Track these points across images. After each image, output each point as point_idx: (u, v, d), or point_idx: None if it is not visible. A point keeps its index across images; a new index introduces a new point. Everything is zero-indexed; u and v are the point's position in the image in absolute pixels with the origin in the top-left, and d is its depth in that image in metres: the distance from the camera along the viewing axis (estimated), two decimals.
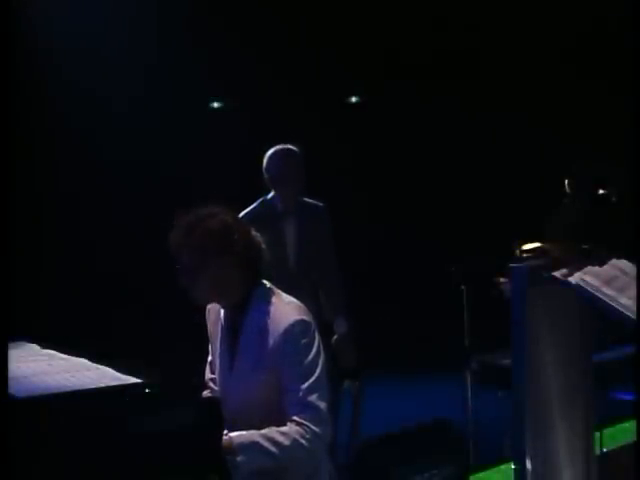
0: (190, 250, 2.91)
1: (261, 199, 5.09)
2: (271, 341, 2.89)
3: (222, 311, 3.08)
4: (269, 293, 3.00)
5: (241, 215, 4.82)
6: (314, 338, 2.93)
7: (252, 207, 5.01)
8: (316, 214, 5.15)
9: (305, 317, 2.94)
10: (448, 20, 9.79)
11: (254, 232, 3.03)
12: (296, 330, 2.88)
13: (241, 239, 2.94)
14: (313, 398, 2.84)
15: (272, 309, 2.95)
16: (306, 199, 5.16)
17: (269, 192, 5.09)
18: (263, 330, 2.92)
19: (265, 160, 5.07)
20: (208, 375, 3.20)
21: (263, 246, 3.03)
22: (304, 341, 2.89)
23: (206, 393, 3.16)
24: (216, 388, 3.12)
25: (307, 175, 5.08)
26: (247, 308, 2.98)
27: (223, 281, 2.93)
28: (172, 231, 2.94)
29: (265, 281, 3.03)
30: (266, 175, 5.06)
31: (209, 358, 3.19)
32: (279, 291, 3.04)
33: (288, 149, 5.07)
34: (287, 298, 3.02)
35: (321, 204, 5.20)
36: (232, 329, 3.03)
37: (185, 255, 2.92)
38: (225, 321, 3.07)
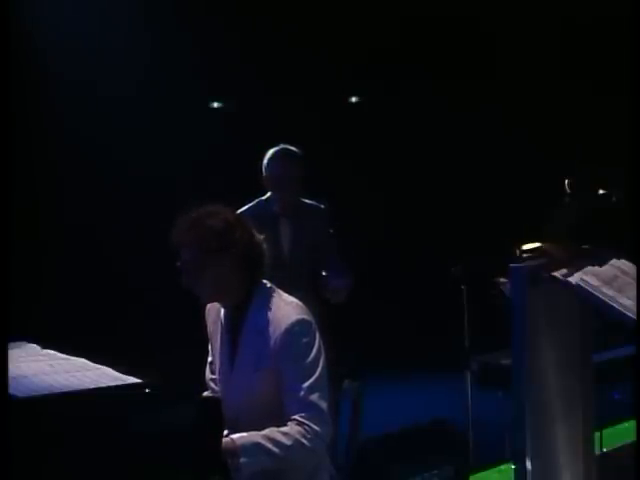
0: (191, 247, 2.91)
1: (257, 200, 5.07)
2: (272, 340, 2.89)
3: (222, 310, 3.08)
4: (270, 293, 3.00)
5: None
6: (315, 337, 2.93)
7: (248, 207, 4.95)
8: (316, 215, 5.11)
9: (306, 316, 2.94)
10: (449, 20, 9.79)
11: (256, 232, 3.02)
12: (297, 329, 2.89)
13: (242, 238, 2.94)
14: (314, 397, 2.84)
15: (273, 309, 2.95)
16: (306, 200, 5.13)
17: (267, 192, 5.08)
18: (264, 330, 2.92)
19: (264, 160, 5.02)
20: (208, 375, 3.20)
21: (265, 246, 3.03)
22: (305, 340, 2.89)
23: (207, 394, 3.16)
24: (217, 388, 3.12)
25: (306, 175, 5.05)
26: (248, 308, 2.98)
27: (223, 280, 2.93)
28: (174, 228, 2.95)
29: (266, 281, 3.03)
30: (264, 173, 5.02)
31: (209, 358, 3.19)
32: (280, 291, 3.04)
33: (287, 151, 5.01)
34: (288, 298, 3.02)
35: (322, 206, 5.16)
36: (233, 329, 3.03)
37: (186, 252, 2.92)
38: (225, 321, 3.07)
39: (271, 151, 5.02)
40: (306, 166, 5.04)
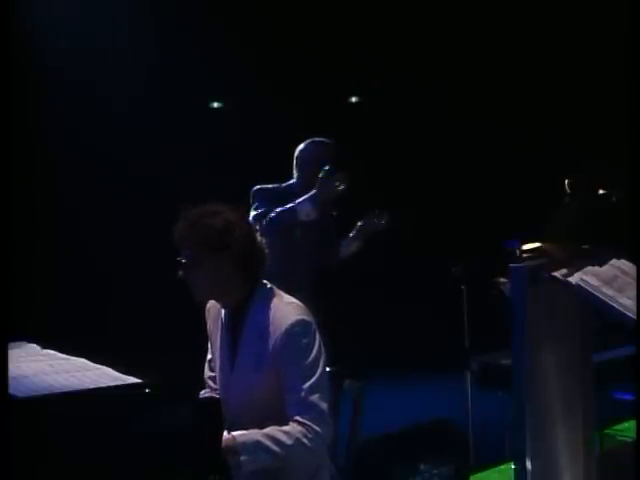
0: (191, 244, 2.93)
1: (282, 183, 5.20)
2: (272, 341, 2.89)
3: (223, 310, 3.08)
4: (270, 293, 3.01)
5: (257, 188, 5.05)
6: (315, 338, 2.93)
7: (272, 185, 5.13)
8: (325, 219, 5.25)
9: (306, 317, 2.94)
10: (448, 20, 9.79)
11: (258, 234, 3.03)
12: (297, 330, 2.89)
13: (242, 238, 2.94)
14: (314, 398, 2.84)
15: (272, 309, 2.95)
16: None
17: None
18: (264, 330, 2.92)
19: (302, 144, 5.22)
20: (207, 373, 3.20)
21: (266, 249, 3.03)
22: (305, 341, 2.89)
23: (205, 391, 3.17)
24: (215, 386, 3.13)
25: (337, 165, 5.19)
26: (248, 308, 2.98)
27: (220, 278, 2.93)
28: (176, 224, 2.96)
29: (266, 281, 3.04)
30: (297, 155, 5.19)
31: (208, 356, 3.20)
32: (280, 291, 3.04)
33: (324, 140, 5.25)
34: (288, 298, 3.02)
35: (334, 212, 5.34)
36: (233, 329, 3.04)
37: (186, 249, 2.94)
38: (226, 321, 3.07)
39: (309, 140, 5.24)
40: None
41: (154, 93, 8.90)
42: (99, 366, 2.77)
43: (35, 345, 3.09)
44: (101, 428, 2.36)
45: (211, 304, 3.15)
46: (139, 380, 2.62)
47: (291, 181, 5.21)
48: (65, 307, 8.32)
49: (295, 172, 5.20)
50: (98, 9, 8.60)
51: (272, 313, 2.94)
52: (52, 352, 3.00)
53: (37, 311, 7.85)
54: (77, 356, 2.91)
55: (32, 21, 8.34)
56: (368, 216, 5.45)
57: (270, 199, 4.98)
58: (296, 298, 3.05)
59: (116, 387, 2.55)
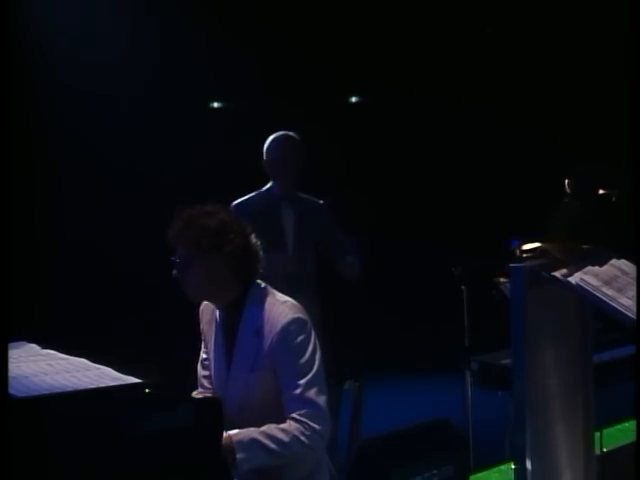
0: (185, 244, 2.93)
1: (257, 191, 5.08)
2: (268, 340, 2.90)
3: (217, 311, 3.08)
4: (264, 293, 3.01)
5: (238, 202, 4.89)
6: (310, 335, 2.93)
7: (249, 196, 5.00)
8: (315, 210, 5.13)
9: (301, 315, 2.94)
10: (448, 21, 9.79)
11: (252, 234, 3.03)
12: (292, 328, 2.89)
13: (236, 239, 2.94)
14: (311, 395, 2.85)
15: (267, 308, 2.95)
16: (304, 195, 5.16)
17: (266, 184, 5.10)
18: (259, 330, 2.93)
19: (265, 144, 5.08)
20: (201, 372, 3.20)
21: (260, 249, 3.03)
22: (300, 339, 2.90)
23: (198, 391, 3.16)
24: (208, 386, 3.13)
25: (306, 175, 5.07)
26: (242, 308, 2.98)
27: (213, 279, 2.93)
28: (171, 224, 2.96)
29: (260, 281, 3.03)
30: (265, 158, 5.04)
31: (203, 355, 3.19)
32: (274, 290, 3.04)
33: (288, 135, 5.09)
34: (282, 297, 3.02)
35: (320, 201, 5.20)
36: (228, 330, 3.04)
37: (180, 248, 2.94)
38: (221, 322, 3.07)
39: (272, 136, 5.10)
40: (305, 166, 5.07)
41: (154, 93, 8.90)
42: (99, 366, 2.77)
43: (35, 345, 3.08)
44: (101, 428, 2.36)
45: (205, 305, 3.15)
46: (139, 380, 2.62)
47: (267, 186, 5.06)
48: (65, 307, 8.32)
49: (270, 175, 5.04)
50: (99, 9, 8.60)
51: (267, 312, 2.94)
52: (52, 352, 2.99)
53: (37, 311, 7.85)
54: (77, 356, 2.91)
55: (32, 21, 8.33)
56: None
57: (251, 213, 4.60)
58: (295, 298, 3.05)
59: (116, 387, 2.55)
